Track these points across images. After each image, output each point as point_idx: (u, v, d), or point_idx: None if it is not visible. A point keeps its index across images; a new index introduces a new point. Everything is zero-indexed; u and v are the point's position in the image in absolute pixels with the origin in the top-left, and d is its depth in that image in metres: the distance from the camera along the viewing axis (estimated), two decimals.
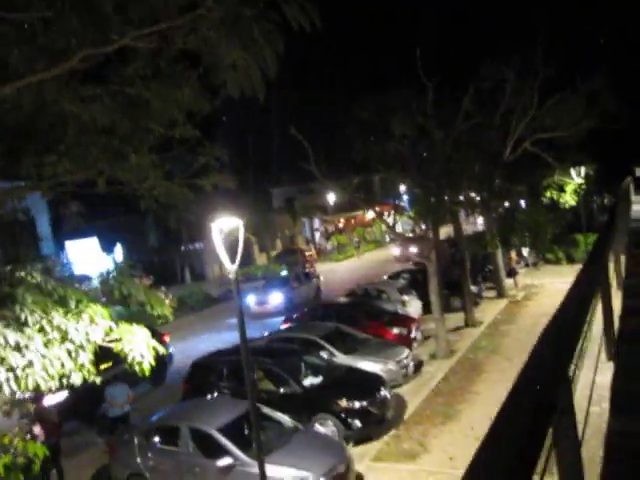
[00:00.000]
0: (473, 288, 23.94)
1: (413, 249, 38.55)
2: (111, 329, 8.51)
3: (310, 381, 14.45)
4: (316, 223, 58.24)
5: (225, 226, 8.58)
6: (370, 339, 18.03)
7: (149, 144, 8.76)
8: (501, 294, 27.00)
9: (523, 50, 24.07)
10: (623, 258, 10.39)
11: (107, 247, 33.37)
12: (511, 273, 29.18)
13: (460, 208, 24.02)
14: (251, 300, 30.05)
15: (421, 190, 19.01)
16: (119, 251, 34.22)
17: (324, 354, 16.42)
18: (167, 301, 10.63)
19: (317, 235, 58.58)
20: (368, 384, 14.50)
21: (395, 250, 42.85)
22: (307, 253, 46.47)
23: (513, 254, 30.96)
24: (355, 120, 20.27)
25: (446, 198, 19.64)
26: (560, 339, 2.94)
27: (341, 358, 16.46)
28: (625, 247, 11.59)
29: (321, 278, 34.31)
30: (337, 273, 42.23)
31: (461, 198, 21.97)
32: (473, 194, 24.31)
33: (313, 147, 20.00)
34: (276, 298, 30.02)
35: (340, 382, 14.39)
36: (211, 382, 15.04)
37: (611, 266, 8.47)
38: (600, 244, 6.91)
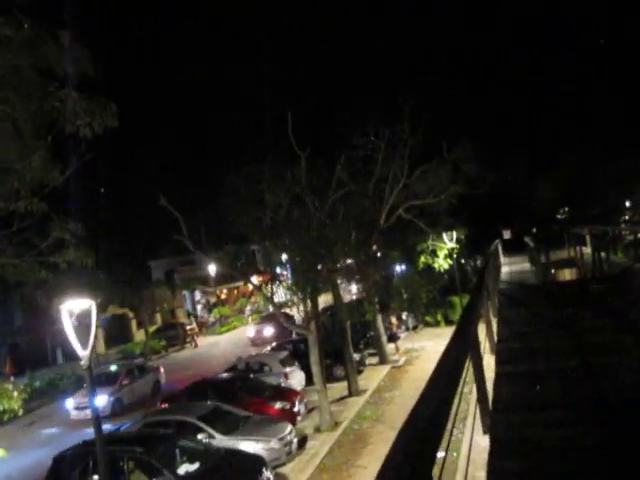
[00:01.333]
0: (355, 356, 23.78)
1: (268, 331, 37.95)
2: None
3: (186, 468, 13.39)
4: (197, 295, 56.83)
5: (76, 308, 7.79)
6: (251, 416, 17.23)
7: None
8: (383, 360, 26.98)
9: (391, 121, 25.03)
10: (494, 321, 10.47)
11: None
12: (392, 338, 29.41)
13: (338, 276, 24.01)
14: (69, 404, 24.07)
15: (298, 259, 18.81)
16: None
17: (202, 436, 15.46)
18: (16, 393, 9.55)
19: (199, 307, 57.07)
20: (248, 467, 13.72)
21: (249, 332, 39.55)
22: (188, 327, 44.90)
23: (393, 319, 31.34)
24: (229, 190, 19.90)
25: (322, 267, 19.52)
26: (422, 430, 2.55)
27: (220, 439, 15.55)
28: (495, 309, 11.75)
29: (161, 370, 29.24)
30: (219, 346, 41.03)
31: (338, 266, 21.96)
32: (350, 261, 24.46)
33: (189, 219, 19.44)
34: (100, 400, 22.91)
35: (218, 467, 13.46)
36: (76, 478, 13.61)
37: (482, 330, 8.40)
38: (469, 309, 6.74)
